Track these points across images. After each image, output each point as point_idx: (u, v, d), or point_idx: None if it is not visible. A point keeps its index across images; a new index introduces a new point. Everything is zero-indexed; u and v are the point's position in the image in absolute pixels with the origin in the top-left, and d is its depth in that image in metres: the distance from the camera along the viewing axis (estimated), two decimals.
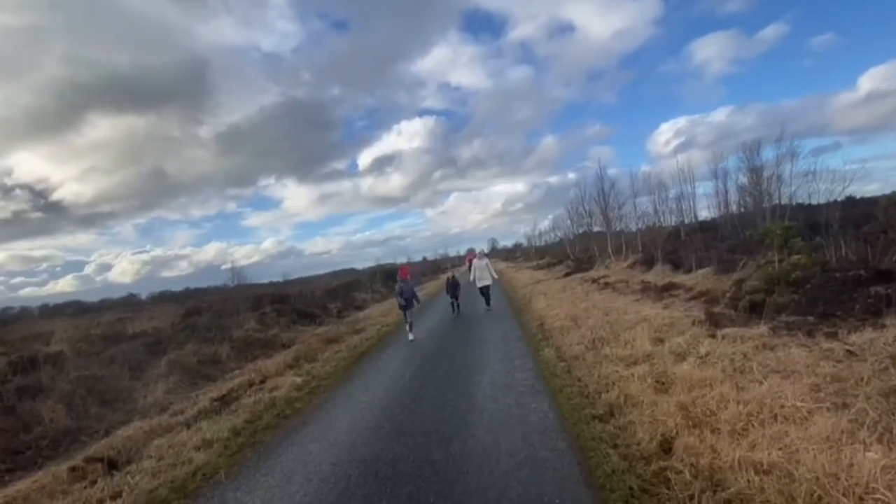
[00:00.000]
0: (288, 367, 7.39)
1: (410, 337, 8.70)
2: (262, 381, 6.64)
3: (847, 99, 69.81)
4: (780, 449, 2.64)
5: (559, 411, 4.09)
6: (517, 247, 77.47)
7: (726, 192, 18.97)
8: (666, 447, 3.07)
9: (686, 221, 21.02)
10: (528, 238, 55.98)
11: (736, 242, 12.25)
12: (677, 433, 3.15)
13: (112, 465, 3.99)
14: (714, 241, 14.03)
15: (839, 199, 14.39)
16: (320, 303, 15.35)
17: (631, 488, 2.69)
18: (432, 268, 47.22)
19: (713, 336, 5.30)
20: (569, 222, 31.74)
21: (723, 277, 9.03)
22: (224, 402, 5.81)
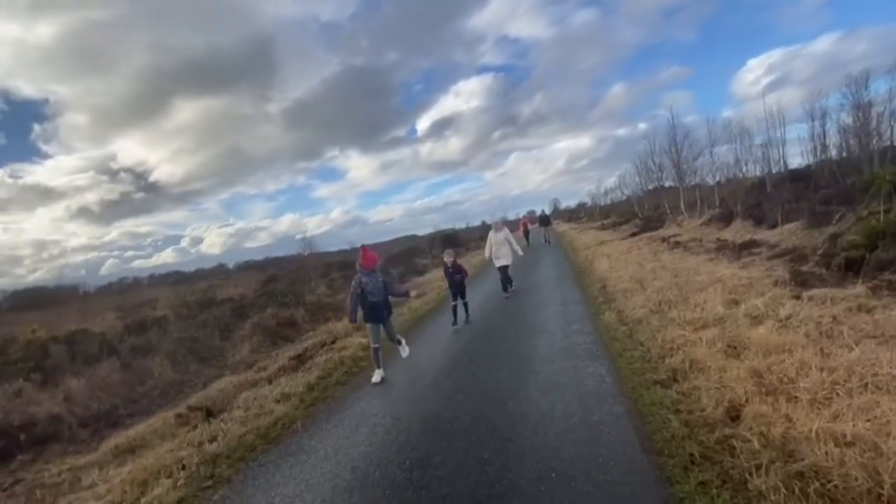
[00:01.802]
0: (355, 328, 7.87)
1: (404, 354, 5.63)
2: (333, 342, 7.16)
3: None
4: (868, 420, 2.40)
5: (618, 375, 4.01)
6: (581, 206, 74.31)
7: (824, 134, 16.52)
8: (733, 415, 2.91)
9: (773, 171, 18.76)
10: (593, 197, 53.41)
11: (833, 192, 10.75)
12: (747, 400, 2.97)
13: (209, 413, 4.58)
14: (806, 192, 12.43)
15: None
16: (384, 269, 15.99)
17: (691, 455, 2.60)
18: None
19: (797, 297, 4.82)
20: (637, 178, 29.59)
21: (814, 232, 8.06)
22: (300, 360, 6.37)
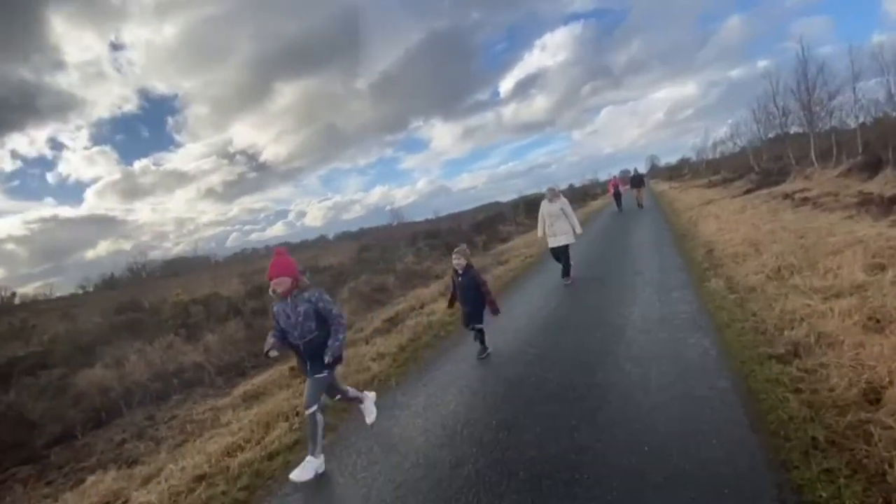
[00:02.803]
0: (441, 294, 8.15)
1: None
2: (421, 307, 7.51)
3: None
4: None
5: (725, 348, 3.65)
6: (683, 162, 67.11)
7: None
8: (872, 397, 2.51)
9: None
10: (698, 151, 47.85)
11: None
12: (891, 382, 2.52)
13: None
14: None
15: None
16: (467, 237, 16.16)
17: (814, 439, 2.30)
18: (580, 195, 44.44)
19: None
20: (755, 126, 25.72)
21: None
22: (392, 322, 6.80)
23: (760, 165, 23.58)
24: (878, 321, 3.34)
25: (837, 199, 9.43)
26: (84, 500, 3.09)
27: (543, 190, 7.78)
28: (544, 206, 6.96)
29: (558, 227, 6.81)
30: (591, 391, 3.32)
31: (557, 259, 7.06)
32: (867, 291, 3.91)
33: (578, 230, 6.91)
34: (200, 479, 3.07)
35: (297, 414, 3.86)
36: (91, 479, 3.35)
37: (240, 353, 6.18)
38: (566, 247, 6.91)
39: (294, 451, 3.32)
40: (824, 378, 2.84)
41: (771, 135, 23.80)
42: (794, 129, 20.49)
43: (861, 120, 16.92)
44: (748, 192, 16.39)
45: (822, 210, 8.78)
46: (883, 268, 4.37)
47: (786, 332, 3.59)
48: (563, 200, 6.95)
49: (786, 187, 14.11)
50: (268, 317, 7.51)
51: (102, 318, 8.62)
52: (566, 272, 7.03)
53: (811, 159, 16.23)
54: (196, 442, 3.72)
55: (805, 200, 10.42)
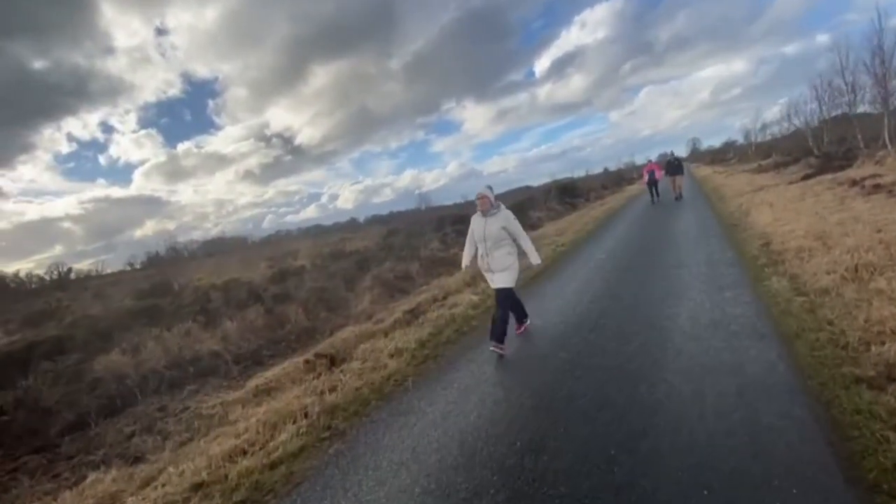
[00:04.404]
0: (466, 284, 7.74)
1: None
2: (444, 298, 7.14)
3: None
4: None
5: (796, 364, 3.08)
6: (729, 145, 63.44)
7: None
8: None
9: None
10: (746, 133, 44.70)
11: None
12: None
13: (332, 362, 4.87)
14: None
15: None
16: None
17: None
18: (616, 179, 42.64)
19: None
20: (814, 104, 23.53)
21: None
22: (413, 314, 6.47)
23: (820, 148, 21.59)
24: None
25: None
26: (81, 501, 2.94)
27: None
28: (475, 223, 4.43)
29: (497, 258, 4.26)
30: (633, 410, 2.86)
31: (499, 306, 4.31)
32: None
33: (536, 260, 4.40)
34: (197, 487, 2.84)
35: (307, 415, 3.60)
36: (92, 477, 3.21)
37: (259, 341, 6.03)
38: (506, 290, 4.32)
39: (298, 461, 3.05)
40: None
41: (834, 113, 21.67)
42: (862, 108, 18.50)
43: None
44: (807, 177, 14.94)
45: None
46: None
47: (874, 349, 2.99)
48: (506, 213, 4.32)
49: (853, 173, 12.72)
50: (289, 302, 7.37)
51: (133, 300, 8.75)
52: (498, 336, 4.19)
53: (884, 141, 14.58)
54: (201, 441, 3.53)
55: (878, 188, 9.26)
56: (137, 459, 3.57)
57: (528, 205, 20.41)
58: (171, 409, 4.32)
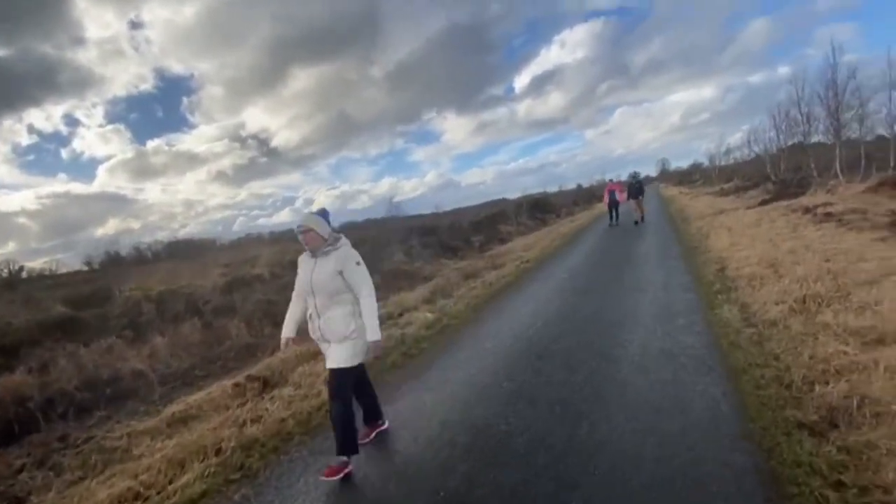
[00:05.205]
0: (424, 301, 7.48)
1: None
2: (400, 315, 6.83)
3: None
4: None
5: (740, 403, 2.95)
6: (695, 168, 65.95)
7: None
8: None
9: None
10: (711, 157, 46.37)
11: None
12: None
13: (265, 386, 4.48)
14: None
15: None
16: (466, 235, 15.45)
17: None
18: (587, 196, 43.52)
19: None
20: (773, 132, 24.65)
21: None
22: None
23: (778, 175, 22.55)
24: None
25: (866, 217, 8.61)
26: None
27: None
28: (302, 266, 2.97)
29: (333, 319, 2.80)
30: (570, 453, 2.64)
31: (334, 398, 2.79)
32: None
33: (374, 337, 2.75)
34: None
35: (219, 451, 3.22)
36: None
37: (192, 359, 5.56)
38: (341, 373, 2.77)
39: None
40: (874, 467, 2.14)
41: (791, 142, 22.70)
42: (816, 138, 19.42)
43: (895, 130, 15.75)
44: (764, 202, 15.49)
45: (848, 228, 7.97)
46: None
47: (818, 389, 2.89)
48: (346, 252, 2.87)
49: (806, 200, 13.22)
50: (232, 316, 6.89)
51: (65, 307, 8.06)
52: (344, 442, 2.75)
53: (835, 171, 15.28)
54: (93, 482, 3.09)
55: (828, 216, 9.59)
56: (20, 501, 3.10)
57: (499, 218, 20.43)
58: (72, 438, 3.84)
